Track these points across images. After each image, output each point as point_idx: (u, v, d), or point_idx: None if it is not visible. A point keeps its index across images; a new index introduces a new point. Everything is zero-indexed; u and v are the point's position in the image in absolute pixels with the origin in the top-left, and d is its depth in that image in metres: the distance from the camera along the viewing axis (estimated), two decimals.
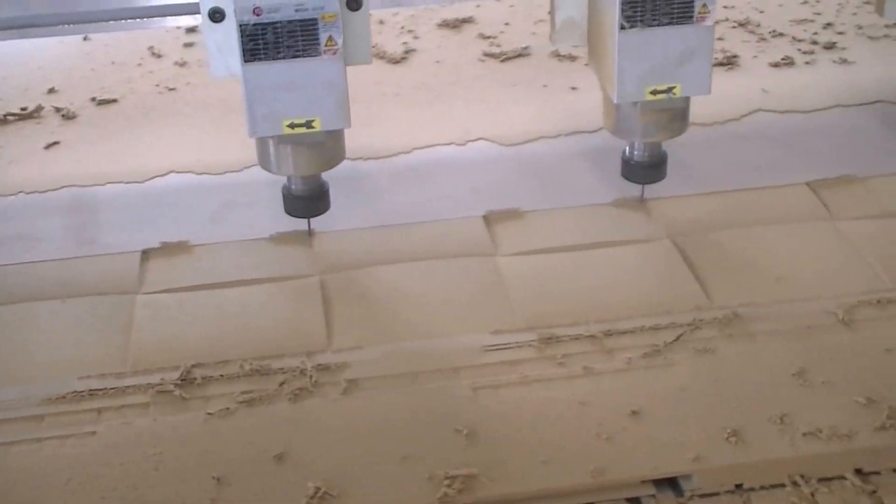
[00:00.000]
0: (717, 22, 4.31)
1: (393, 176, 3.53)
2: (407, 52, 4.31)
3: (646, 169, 3.27)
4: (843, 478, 2.53)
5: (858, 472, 2.54)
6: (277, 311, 3.00)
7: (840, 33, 4.35)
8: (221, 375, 2.78)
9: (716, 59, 4.13)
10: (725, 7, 4.58)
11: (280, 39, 2.80)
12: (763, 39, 4.32)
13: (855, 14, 4.49)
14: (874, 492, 2.50)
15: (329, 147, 3.01)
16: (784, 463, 2.53)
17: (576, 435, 2.59)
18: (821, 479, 2.52)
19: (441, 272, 3.11)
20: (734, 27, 4.44)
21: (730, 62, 4.12)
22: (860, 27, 4.37)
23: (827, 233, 3.24)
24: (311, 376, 2.76)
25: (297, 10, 2.78)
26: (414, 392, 2.72)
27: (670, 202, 3.37)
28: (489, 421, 2.63)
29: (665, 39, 2.91)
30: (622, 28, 2.89)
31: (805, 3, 4.61)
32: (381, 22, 4.55)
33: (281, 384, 2.74)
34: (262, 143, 3.02)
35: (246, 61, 2.81)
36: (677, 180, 3.44)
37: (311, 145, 2.98)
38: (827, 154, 3.58)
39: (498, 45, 4.35)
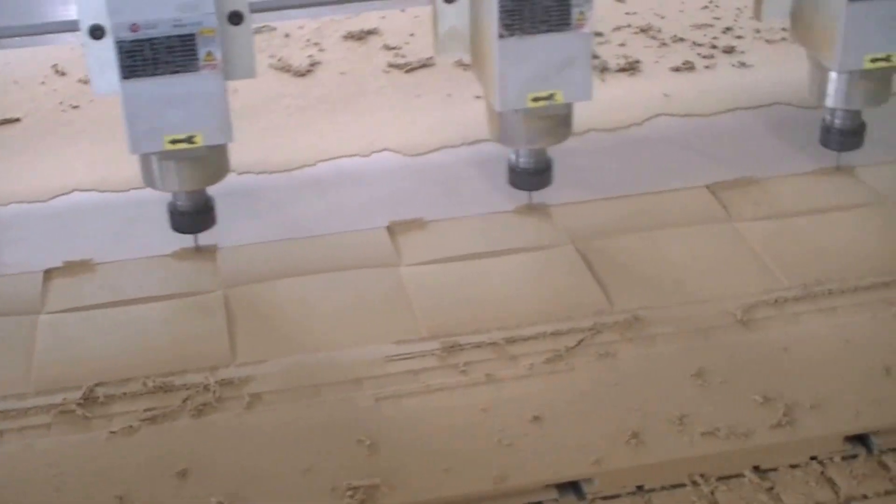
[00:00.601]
0: (618, 28, 4.41)
1: (297, 188, 3.53)
2: (312, 64, 4.32)
3: (531, 175, 3.30)
4: (741, 475, 2.57)
5: (756, 469, 2.59)
6: (181, 327, 2.99)
7: (739, 37, 4.42)
8: (124, 393, 2.77)
9: (618, 64, 4.18)
10: (627, 13, 4.63)
11: (158, 55, 2.79)
12: (664, 45, 4.38)
13: (753, 18, 4.55)
14: (771, 488, 2.55)
15: (212, 161, 3.00)
16: (683, 463, 2.57)
17: (477, 442, 2.61)
18: (720, 478, 2.57)
19: (345, 284, 3.12)
20: (636, 33, 4.49)
21: (632, 67, 4.17)
22: (758, 31, 4.44)
23: (726, 234, 3.29)
24: (214, 391, 2.75)
25: (175, 26, 2.77)
26: (317, 404, 2.72)
27: (572, 208, 3.41)
28: (391, 431, 2.64)
29: (544, 47, 2.94)
30: (501, 36, 2.91)
31: (705, 8, 4.67)
32: (287, 35, 4.55)
33: (184, 400, 2.74)
34: (145, 160, 3.00)
35: (124, 77, 2.80)
36: (580, 186, 3.48)
37: (194, 160, 2.97)
38: (726, 156, 3.63)
39: (403, 56, 4.36)
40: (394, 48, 4.43)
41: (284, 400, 2.74)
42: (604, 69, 4.16)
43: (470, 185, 3.54)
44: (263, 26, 4.45)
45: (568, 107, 3.14)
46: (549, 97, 3.00)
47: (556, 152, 3.33)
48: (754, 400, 2.71)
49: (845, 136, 3.48)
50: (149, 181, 3.05)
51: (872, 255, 3.17)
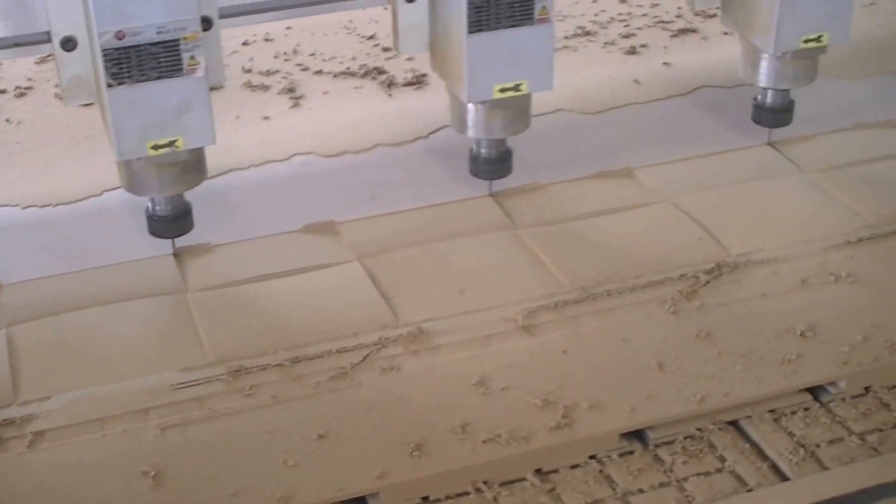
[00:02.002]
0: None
1: (83, 220, 3.49)
2: None
3: (492, 164, 3.44)
4: (524, 479, 2.63)
5: (538, 471, 2.65)
6: None
7: None
8: None
9: (405, 78, 4.22)
10: None
11: (144, 61, 2.81)
12: None
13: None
14: (552, 489, 2.61)
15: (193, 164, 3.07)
16: (466, 471, 2.62)
17: (263, 464, 2.61)
18: (503, 483, 2.62)
19: (131, 313, 3.10)
20: None
21: (419, 81, 4.21)
22: None
23: (509, 242, 3.36)
24: None
25: (158, 33, 2.80)
26: (102, 438, 2.70)
27: (360, 224, 3.44)
28: (177, 460, 2.63)
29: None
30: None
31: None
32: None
33: None
34: (126, 166, 3.02)
35: (109, 85, 2.81)
36: (367, 202, 3.51)
37: (172, 164, 3.02)
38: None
39: None
40: None
41: (68, 436, 2.70)
42: (391, 84, 4.20)
43: (254, 208, 3.53)
44: None
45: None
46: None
47: (352, 169, 3.35)
48: (534, 404, 2.77)
49: (776, 113, 3.70)
50: (129, 186, 3.08)
51: (648, 254, 3.27)
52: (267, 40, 4.58)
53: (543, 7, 3.13)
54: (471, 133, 3.37)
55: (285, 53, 4.47)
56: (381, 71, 4.28)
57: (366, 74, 4.28)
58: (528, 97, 3.31)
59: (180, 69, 2.89)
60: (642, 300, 3.10)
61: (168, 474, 2.60)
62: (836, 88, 4.16)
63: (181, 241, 3.34)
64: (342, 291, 3.17)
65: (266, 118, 4.04)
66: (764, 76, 3.61)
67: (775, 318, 3.02)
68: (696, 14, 4.57)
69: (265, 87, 4.24)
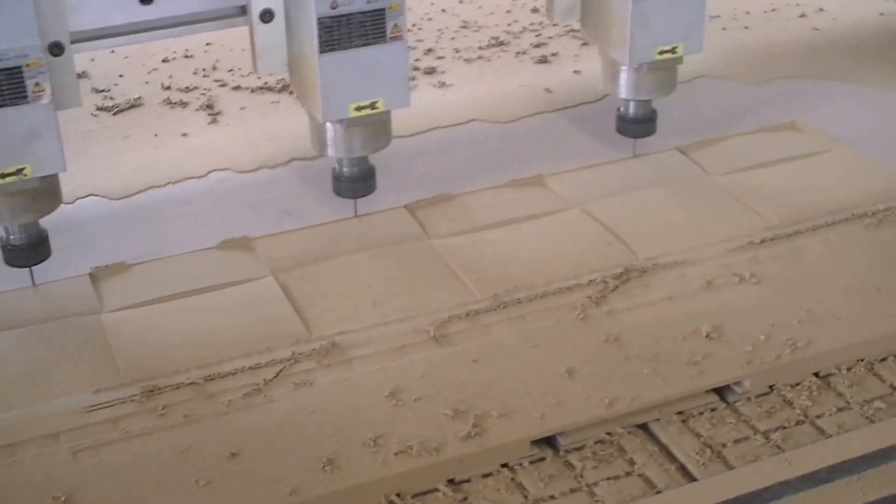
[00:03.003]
0: None
1: None
2: None
3: (355, 183, 3.47)
4: (436, 490, 2.66)
5: (451, 482, 2.68)
6: None
7: (440, 58, 4.54)
8: None
9: None
10: None
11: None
12: None
13: (453, 38, 4.70)
14: (465, 499, 2.64)
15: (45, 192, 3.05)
16: (378, 484, 2.64)
17: (175, 484, 2.63)
18: (415, 495, 2.65)
19: (45, 336, 3.10)
20: None
21: None
22: (457, 50, 4.57)
23: (422, 253, 3.39)
24: None
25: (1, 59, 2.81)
26: (12, 464, 2.70)
27: (274, 239, 3.46)
28: (88, 483, 2.64)
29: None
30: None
31: (408, 31, 4.77)
32: None
33: None
34: None
35: None
36: (281, 216, 3.54)
37: (23, 193, 3.00)
38: (424, 176, 3.74)
39: (112, 98, 4.34)
40: (102, 91, 4.39)
41: None
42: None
43: (173, 225, 3.55)
44: None
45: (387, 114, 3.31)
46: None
47: (268, 184, 3.41)
48: (445, 414, 2.80)
49: (639, 123, 3.75)
50: None
51: (558, 261, 3.31)
52: (187, 57, 4.60)
53: (396, 25, 3.15)
54: (330, 152, 3.38)
55: (204, 69, 4.49)
56: None
57: (283, 89, 4.31)
58: (386, 114, 3.33)
59: (25, 96, 2.89)
60: (552, 307, 3.14)
61: (79, 499, 2.60)
62: (739, 92, 4.23)
63: (99, 260, 3.34)
64: (256, 307, 3.19)
65: (184, 135, 4.06)
66: (623, 88, 3.66)
67: (682, 320, 3.07)
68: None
69: (184, 104, 4.25)
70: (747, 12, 4.91)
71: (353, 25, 3.11)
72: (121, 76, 4.50)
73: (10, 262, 3.22)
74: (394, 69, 3.22)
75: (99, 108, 4.29)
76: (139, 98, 4.32)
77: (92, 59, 4.61)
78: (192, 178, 3.79)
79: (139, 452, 2.73)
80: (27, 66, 2.86)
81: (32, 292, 3.27)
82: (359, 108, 3.23)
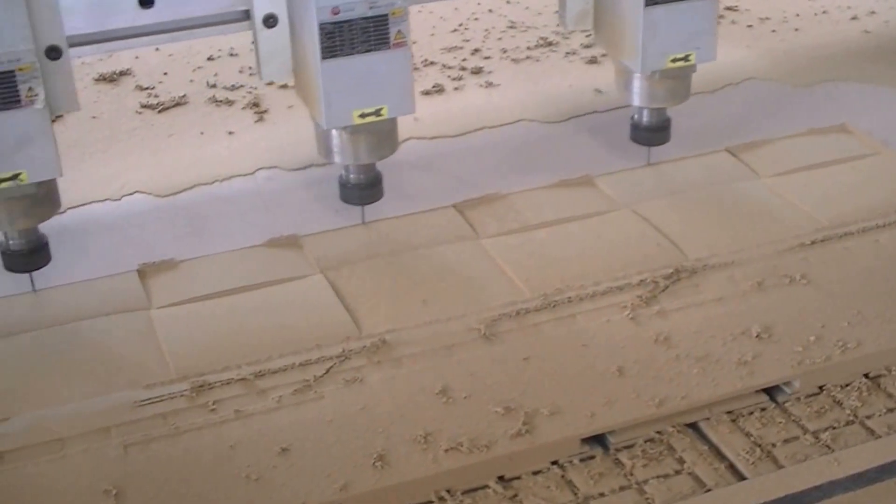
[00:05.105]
0: None
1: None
2: None
3: (362, 190, 3.45)
4: (486, 487, 2.65)
5: (501, 479, 2.67)
6: None
7: (487, 58, 4.53)
8: None
9: None
10: None
11: None
12: (416, 69, 4.47)
13: (500, 39, 4.69)
14: (515, 496, 2.64)
15: (42, 197, 3.04)
16: (428, 480, 2.64)
17: (225, 479, 2.64)
18: (465, 491, 2.65)
19: (94, 331, 3.11)
20: None
21: None
22: (505, 51, 4.56)
23: (472, 252, 3.39)
24: None
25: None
26: (62, 458, 2.71)
27: (322, 237, 3.46)
28: (139, 477, 2.65)
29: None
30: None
31: (455, 31, 4.78)
32: None
33: None
34: None
35: None
36: (329, 214, 3.54)
37: (21, 198, 2.99)
38: (473, 175, 3.73)
39: (156, 96, 4.36)
40: (147, 88, 4.41)
41: (28, 457, 2.71)
42: None
43: (221, 222, 3.56)
44: None
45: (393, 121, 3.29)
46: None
47: (316, 183, 3.41)
48: (496, 412, 2.79)
49: (652, 132, 3.72)
50: None
51: (608, 261, 3.31)
52: (232, 55, 4.61)
53: (399, 31, 3.12)
54: (337, 159, 3.35)
55: (250, 68, 4.49)
56: None
57: None
58: (392, 122, 3.30)
59: (18, 101, 2.88)
60: (602, 306, 3.13)
61: (129, 493, 2.61)
62: (788, 95, 4.21)
63: (146, 257, 3.36)
64: (306, 304, 3.20)
65: (231, 133, 4.06)
66: (636, 96, 3.62)
67: (731, 320, 3.05)
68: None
69: (230, 102, 4.26)
70: (797, 14, 4.88)
71: (355, 32, 3.08)
72: (165, 74, 4.52)
73: (10, 268, 3.21)
74: (397, 76, 3.18)
75: (143, 106, 4.30)
76: (184, 96, 4.34)
77: (136, 57, 4.64)
78: (240, 175, 3.80)
79: (189, 447, 2.73)
80: (20, 70, 2.84)
81: (82, 288, 3.28)
82: (363, 115, 3.20)
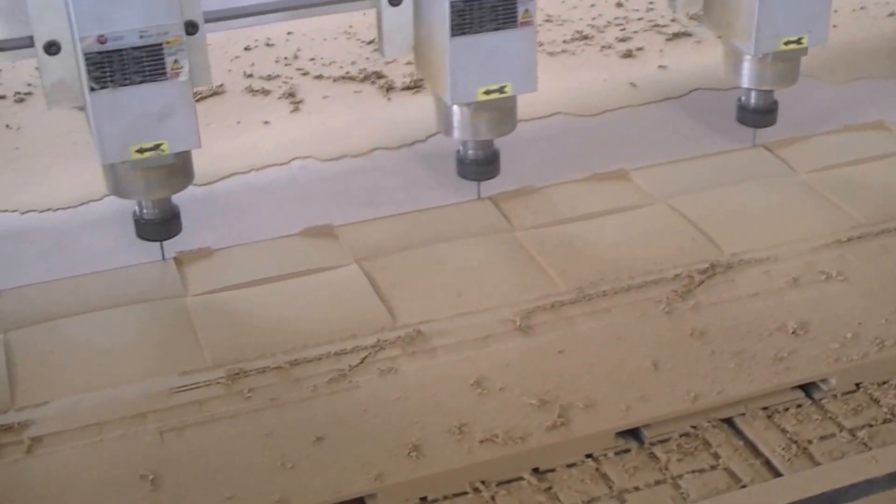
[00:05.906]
0: None
1: (83, 225, 3.53)
2: None
3: (480, 166, 3.49)
4: (520, 479, 2.65)
5: (535, 471, 2.67)
6: None
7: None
8: None
9: (403, 83, 4.25)
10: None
11: (126, 65, 2.86)
12: None
13: (536, 32, 4.66)
14: (549, 488, 2.64)
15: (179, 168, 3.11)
16: (463, 471, 2.65)
17: (260, 467, 2.65)
18: (500, 483, 2.65)
19: (130, 318, 3.13)
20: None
21: (417, 85, 4.24)
22: (541, 44, 4.55)
23: (506, 244, 3.39)
24: None
25: (140, 37, 2.84)
26: (100, 442, 2.73)
27: (357, 227, 3.47)
28: (175, 463, 2.66)
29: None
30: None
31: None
32: None
33: None
34: (111, 170, 3.06)
35: (92, 90, 2.86)
36: (365, 206, 3.55)
37: (158, 168, 3.06)
38: (508, 167, 3.72)
39: None
40: None
41: (66, 441, 2.73)
42: (389, 88, 4.23)
43: (256, 212, 3.57)
44: None
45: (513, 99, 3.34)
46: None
47: (351, 173, 3.45)
48: (531, 404, 2.79)
49: (759, 114, 3.75)
50: (115, 190, 3.11)
51: (643, 255, 3.30)
52: (268, 45, 4.61)
53: (526, 10, 3.17)
54: (456, 135, 3.40)
55: (286, 58, 4.50)
56: (379, 75, 4.31)
57: (365, 79, 4.32)
58: (513, 99, 3.34)
59: (164, 73, 2.92)
60: (637, 300, 3.13)
61: (166, 478, 2.63)
62: (825, 91, 4.19)
63: (181, 246, 3.37)
64: (340, 294, 3.20)
65: (266, 123, 4.08)
66: (746, 77, 3.65)
67: (767, 316, 3.04)
68: (691, 18, 4.59)
69: (266, 92, 4.27)
70: (835, 10, 4.82)
71: (484, 10, 3.13)
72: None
73: (143, 236, 3.27)
74: (522, 54, 3.25)
75: None
76: (221, 85, 4.34)
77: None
78: (275, 165, 3.81)
79: (225, 434, 2.75)
80: (167, 43, 2.89)
81: (117, 274, 3.30)
82: (487, 92, 3.24)
